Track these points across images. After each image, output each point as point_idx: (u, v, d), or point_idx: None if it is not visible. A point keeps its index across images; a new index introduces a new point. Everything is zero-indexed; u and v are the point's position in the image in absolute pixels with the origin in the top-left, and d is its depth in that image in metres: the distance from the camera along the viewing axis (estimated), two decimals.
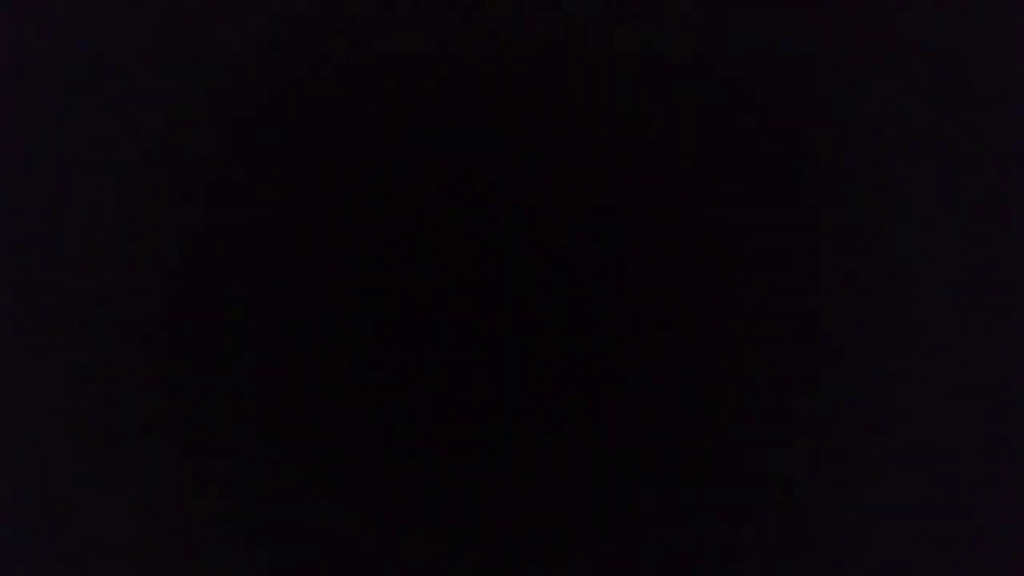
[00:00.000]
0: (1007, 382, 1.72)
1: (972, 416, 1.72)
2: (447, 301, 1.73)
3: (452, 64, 1.74)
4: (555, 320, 1.72)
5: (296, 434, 1.72)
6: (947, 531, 1.71)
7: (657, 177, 1.73)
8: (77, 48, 1.76)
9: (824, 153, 1.74)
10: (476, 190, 1.73)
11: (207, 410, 1.72)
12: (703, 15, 1.74)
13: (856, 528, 1.71)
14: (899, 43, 1.75)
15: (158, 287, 1.74)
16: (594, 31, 1.74)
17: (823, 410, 1.71)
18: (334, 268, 1.73)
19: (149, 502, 1.72)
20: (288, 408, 1.72)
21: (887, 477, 1.71)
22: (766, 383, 1.71)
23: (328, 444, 1.72)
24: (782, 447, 1.71)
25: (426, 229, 1.74)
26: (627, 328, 1.72)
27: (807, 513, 1.71)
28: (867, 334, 1.72)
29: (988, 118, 1.74)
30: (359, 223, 1.73)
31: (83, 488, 1.72)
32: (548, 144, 1.74)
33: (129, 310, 1.73)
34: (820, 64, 1.74)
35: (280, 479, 1.72)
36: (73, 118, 1.76)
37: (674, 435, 1.71)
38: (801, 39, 1.74)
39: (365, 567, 1.71)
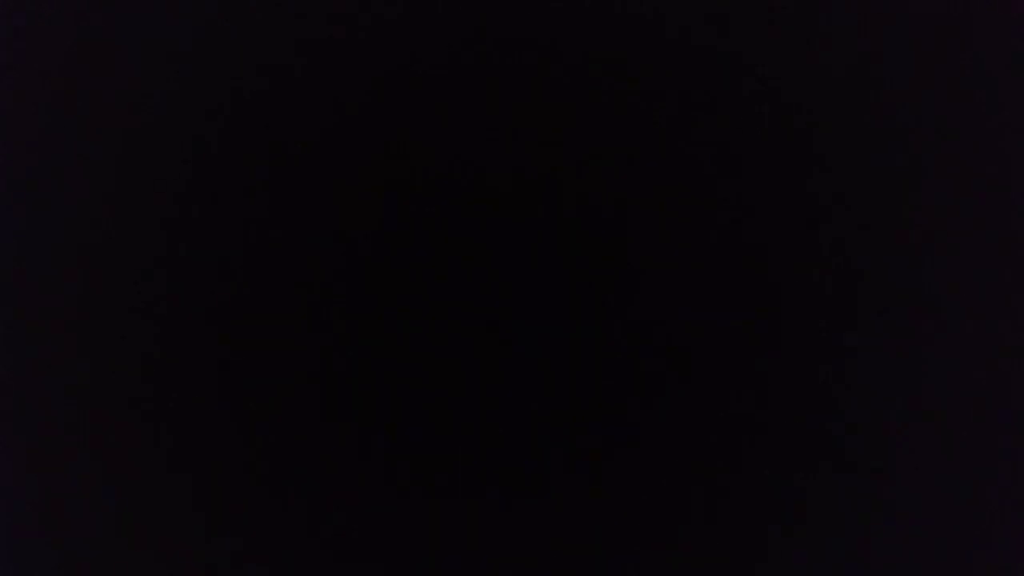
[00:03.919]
0: (1008, 383, 1.72)
1: (972, 417, 1.72)
2: (446, 301, 1.73)
3: (451, 58, 1.75)
4: (554, 320, 1.73)
5: (293, 433, 1.73)
6: (947, 533, 1.72)
7: (655, 177, 1.73)
8: (74, 47, 1.77)
9: (826, 153, 1.74)
10: (473, 187, 1.73)
11: (203, 409, 1.73)
12: (704, 13, 1.74)
13: (864, 533, 1.71)
14: (900, 42, 1.75)
15: (156, 286, 1.74)
16: (594, 26, 1.75)
17: (829, 413, 1.72)
18: (331, 267, 1.74)
19: (147, 502, 1.73)
20: (286, 406, 1.73)
21: (893, 481, 1.72)
22: (768, 385, 1.72)
23: (325, 444, 1.72)
24: (785, 450, 1.71)
25: (423, 228, 1.74)
26: (627, 329, 1.72)
27: (810, 518, 1.71)
28: (872, 337, 1.72)
29: (989, 118, 1.74)
30: (355, 222, 1.74)
31: (81, 488, 1.73)
32: (546, 142, 1.74)
33: (127, 309, 1.74)
34: (822, 63, 1.75)
35: (277, 480, 1.72)
36: (69, 117, 1.76)
37: (675, 438, 1.71)
38: (801, 38, 1.75)
39: (362, 567, 1.72)
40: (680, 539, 1.71)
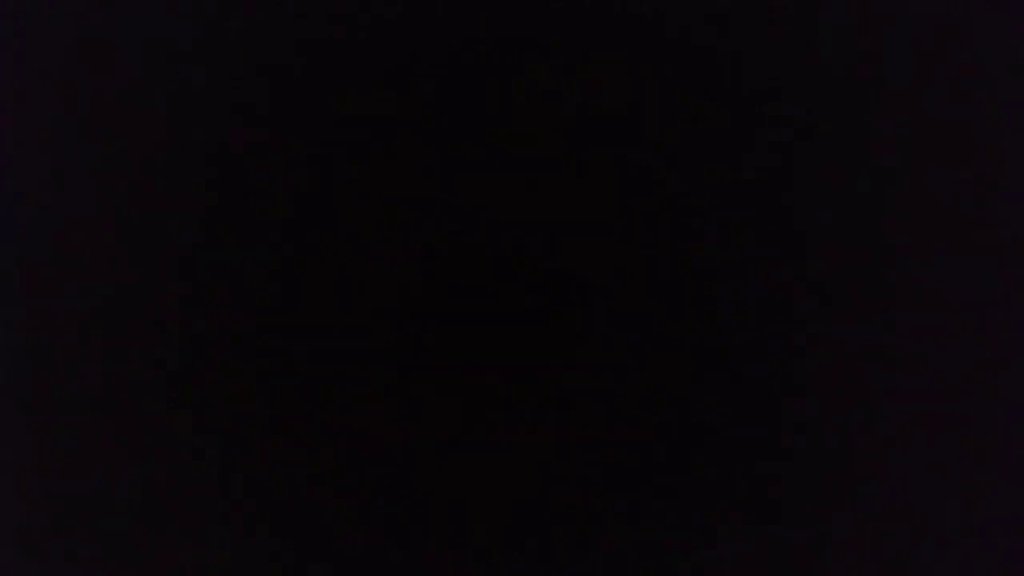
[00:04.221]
0: (1003, 383, 1.72)
1: (965, 417, 1.72)
2: (444, 302, 1.73)
3: (450, 59, 1.75)
4: (552, 320, 1.73)
5: (292, 434, 1.73)
6: (940, 532, 1.72)
7: (647, 178, 1.73)
8: (80, 50, 1.77)
9: (816, 156, 1.74)
10: (471, 187, 1.73)
11: (198, 409, 1.73)
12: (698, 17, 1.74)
13: (848, 530, 1.72)
14: (897, 43, 1.75)
15: (159, 288, 1.74)
16: (587, 30, 1.74)
17: (815, 412, 1.72)
18: (329, 266, 1.74)
19: (151, 504, 1.73)
20: (289, 408, 1.73)
21: (878, 479, 1.72)
22: (761, 385, 1.72)
23: (324, 444, 1.73)
24: (775, 450, 1.71)
25: (423, 228, 1.74)
26: (622, 328, 1.72)
27: (797, 517, 1.71)
28: (860, 335, 1.72)
29: (987, 119, 1.74)
30: (354, 221, 1.74)
31: (84, 488, 1.74)
32: (544, 144, 1.74)
33: (132, 311, 1.74)
34: (815, 66, 1.74)
35: (281, 480, 1.72)
36: (77, 120, 1.76)
37: (665, 438, 1.72)
38: (795, 40, 1.74)
39: (364, 569, 1.72)
40: (678, 540, 1.71)
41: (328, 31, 1.75)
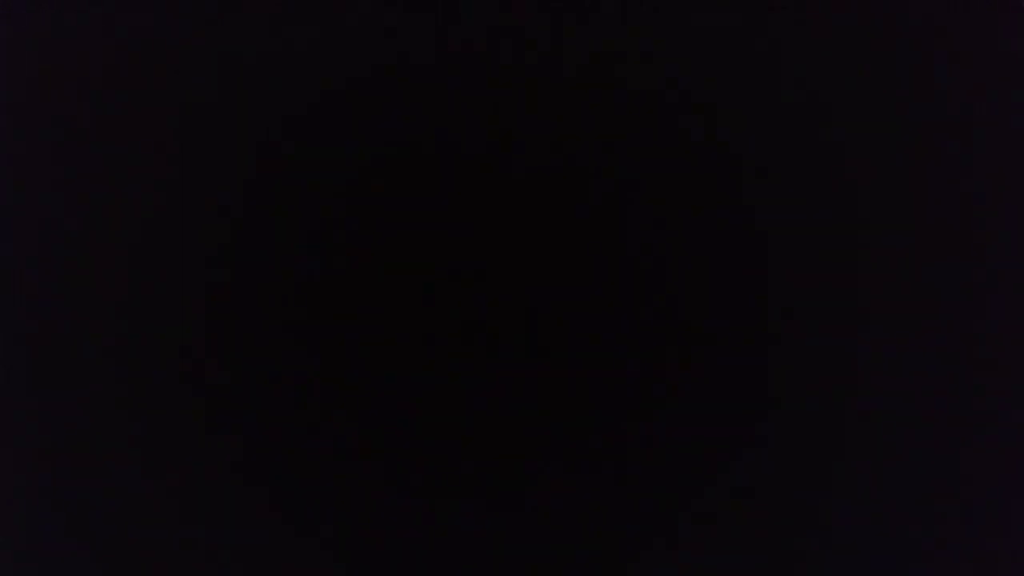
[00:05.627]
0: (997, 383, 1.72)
1: (958, 417, 1.72)
2: (440, 302, 1.73)
3: (449, 68, 1.75)
4: (551, 321, 1.72)
5: (287, 435, 1.73)
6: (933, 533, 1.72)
7: (647, 179, 1.73)
8: (88, 56, 1.77)
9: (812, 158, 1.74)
10: (469, 186, 1.73)
11: (191, 410, 1.73)
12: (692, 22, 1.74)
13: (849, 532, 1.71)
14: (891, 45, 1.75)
15: (148, 285, 1.74)
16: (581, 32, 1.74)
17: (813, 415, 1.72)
18: (324, 266, 1.73)
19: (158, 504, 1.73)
20: (281, 408, 1.73)
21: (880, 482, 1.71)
22: (758, 387, 1.72)
23: (318, 446, 1.72)
24: (772, 453, 1.71)
25: (423, 236, 1.74)
26: (623, 329, 1.72)
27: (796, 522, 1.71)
28: (855, 337, 1.72)
29: (982, 122, 1.74)
30: (357, 226, 1.74)
31: (85, 490, 1.73)
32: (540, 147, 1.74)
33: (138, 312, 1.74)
34: (808, 70, 1.74)
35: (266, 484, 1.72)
36: (86, 124, 1.76)
37: (672, 443, 1.71)
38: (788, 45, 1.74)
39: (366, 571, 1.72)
40: (678, 543, 1.71)
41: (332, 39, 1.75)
